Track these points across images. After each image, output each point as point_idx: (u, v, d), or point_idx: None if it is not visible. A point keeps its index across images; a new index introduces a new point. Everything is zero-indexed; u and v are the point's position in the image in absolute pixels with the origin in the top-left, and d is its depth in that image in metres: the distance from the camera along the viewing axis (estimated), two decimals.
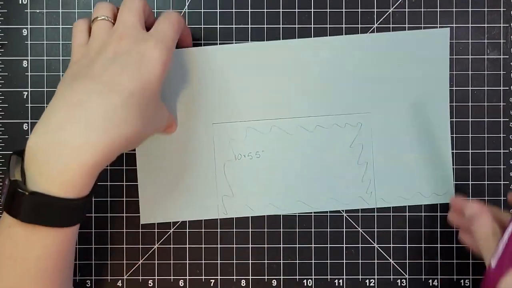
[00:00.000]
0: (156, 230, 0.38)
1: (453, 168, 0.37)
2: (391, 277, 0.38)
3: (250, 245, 0.38)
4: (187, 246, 0.38)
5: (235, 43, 0.38)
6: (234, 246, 0.38)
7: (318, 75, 0.37)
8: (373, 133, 0.37)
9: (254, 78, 0.36)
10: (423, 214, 0.38)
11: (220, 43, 0.38)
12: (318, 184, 0.37)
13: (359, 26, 0.38)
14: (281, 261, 0.38)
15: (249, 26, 0.38)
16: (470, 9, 0.38)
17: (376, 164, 0.37)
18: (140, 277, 0.38)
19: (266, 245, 0.38)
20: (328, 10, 0.38)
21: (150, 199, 0.37)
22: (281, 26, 0.38)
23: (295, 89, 0.37)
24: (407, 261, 0.38)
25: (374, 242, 0.38)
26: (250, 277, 0.38)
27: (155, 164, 0.37)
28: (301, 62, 0.36)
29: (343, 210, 0.38)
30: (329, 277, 0.38)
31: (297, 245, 0.38)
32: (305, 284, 0.38)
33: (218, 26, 0.38)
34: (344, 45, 0.36)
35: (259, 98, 0.37)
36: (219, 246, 0.38)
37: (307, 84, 0.37)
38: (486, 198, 0.38)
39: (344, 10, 0.38)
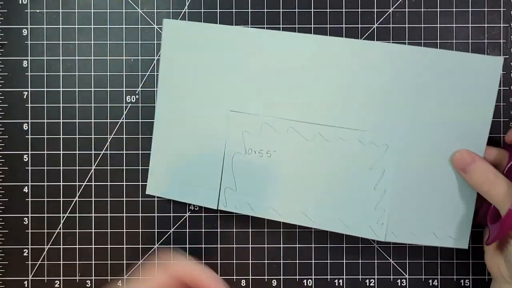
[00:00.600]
0: (156, 230, 0.38)
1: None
2: (391, 277, 0.38)
3: (250, 245, 0.38)
4: (187, 246, 0.38)
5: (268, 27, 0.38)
6: (234, 246, 0.38)
7: (350, 82, 0.33)
8: (399, 159, 0.33)
9: (280, 71, 0.34)
10: None
11: None
12: (326, 200, 0.34)
13: (359, 26, 0.38)
14: (281, 261, 0.38)
15: (249, 26, 0.38)
16: (470, 9, 0.38)
17: (395, 193, 0.33)
18: (140, 277, 0.38)
19: (266, 245, 0.38)
20: (328, 10, 0.38)
21: (159, 172, 0.37)
22: (281, 26, 0.38)
23: (321, 93, 0.34)
24: (407, 261, 0.38)
25: (374, 242, 0.38)
26: (250, 277, 0.38)
27: (169, 138, 0.36)
28: (335, 63, 0.33)
29: None
30: (329, 277, 0.38)
31: (297, 245, 0.38)
32: (305, 284, 0.38)
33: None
34: (387, 53, 0.33)
35: (281, 94, 0.34)
36: (219, 246, 0.38)
37: (336, 89, 0.33)
38: None
39: (344, 10, 0.38)
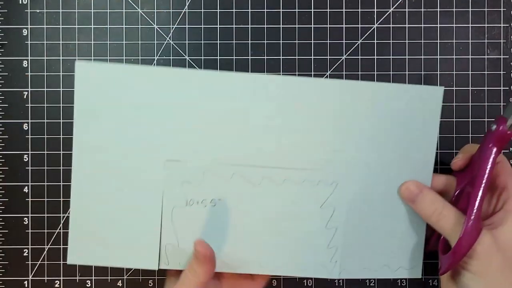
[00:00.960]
0: None
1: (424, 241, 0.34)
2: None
3: None
4: None
5: (204, 69, 0.38)
6: None
7: (294, 121, 0.32)
8: (349, 195, 0.32)
9: (218, 114, 0.32)
10: None
11: (220, 43, 0.38)
12: (276, 244, 0.33)
13: (359, 26, 0.38)
14: None
15: (249, 26, 0.38)
16: (470, 9, 0.38)
17: (346, 230, 0.33)
18: (140, 277, 0.38)
19: None
20: (328, 10, 0.38)
21: (83, 236, 0.32)
22: (281, 26, 0.38)
23: (265, 135, 0.32)
24: None
25: None
26: None
27: (92, 195, 0.32)
28: (274, 103, 0.32)
29: None
30: None
31: None
32: (305, 284, 0.38)
33: (218, 26, 0.38)
34: (327, 89, 0.32)
35: (221, 138, 0.32)
36: None
37: (279, 129, 0.32)
38: None
39: (344, 10, 0.38)
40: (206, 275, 0.30)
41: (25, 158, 0.38)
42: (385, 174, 0.33)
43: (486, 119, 0.38)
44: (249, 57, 0.38)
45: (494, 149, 0.29)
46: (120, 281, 0.38)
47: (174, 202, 0.32)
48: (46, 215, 0.38)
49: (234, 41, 0.38)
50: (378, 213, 0.33)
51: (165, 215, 0.32)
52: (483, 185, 0.29)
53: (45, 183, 0.38)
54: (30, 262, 0.38)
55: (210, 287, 0.31)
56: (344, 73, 0.38)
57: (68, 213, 0.38)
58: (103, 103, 0.31)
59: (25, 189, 0.38)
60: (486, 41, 0.38)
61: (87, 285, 0.38)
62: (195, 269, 0.30)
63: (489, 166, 0.29)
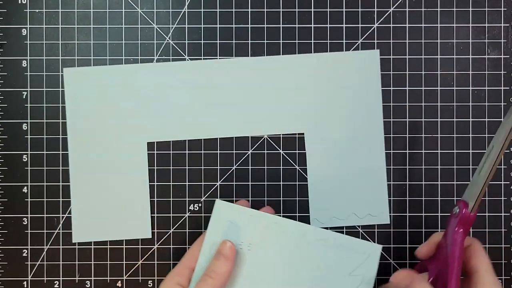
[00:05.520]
0: (156, 231, 0.38)
1: (388, 185, 0.37)
2: None
3: None
4: (187, 246, 0.38)
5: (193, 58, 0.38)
6: None
7: (247, 93, 0.37)
8: (306, 154, 0.37)
9: (190, 96, 0.37)
10: (423, 214, 0.38)
11: (219, 43, 0.38)
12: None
13: (359, 26, 0.37)
14: None
15: (249, 26, 0.38)
16: (470, 9, 0.38)
17: (310, 186, 0.37)
18: (140, 277, 0.38)
19: None
20: (328, 10, 0.38)
21: (84, 217, 0.37)
22: (281, 26, 0.38)
23: (227, 108, 0.37)
24: (407, 261, 0.38)
25: (375, 243, 0.38)
26: None
27: (88, 182, 0.37)
28: (232, 80, 0.37)
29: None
30: None
31: None
32: None
33: (218, 26, 0.38)
34: (271, 66, 0.37)
35: (194, 116, 0.37)
36: None
37: (238, 102, 0.37)
38: (487, 198, 0.38)
39: (344, 10, 0.38)
40: (228, 274, 0.31)
41: (24, 158, 0.38)
42: (340, 135, 0.37)
43: (486, 119, 0.38)
44: (249, 57, 0.37)
45: (461, 232, 0.30)
46: (120, 281, 0.38)
47: None
48: (45, 215, 0.38)
49: (234, 41, 0.38)
50: (338, 167, 0.37)
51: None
52: (455, 271, 0.29)
53: (44, 183, 0.38)
54: (29, 263, 0.38)
55: None
56: None
57: (68, 213, 0.38)
58: (90, 102, 0.37)
59: (24, 189, 0.38)
60: (486, 41, 0.38)
61: (86, 286, 0.38)
62: (216, 270, 0.31)
63: (458, 251, 0.29)
